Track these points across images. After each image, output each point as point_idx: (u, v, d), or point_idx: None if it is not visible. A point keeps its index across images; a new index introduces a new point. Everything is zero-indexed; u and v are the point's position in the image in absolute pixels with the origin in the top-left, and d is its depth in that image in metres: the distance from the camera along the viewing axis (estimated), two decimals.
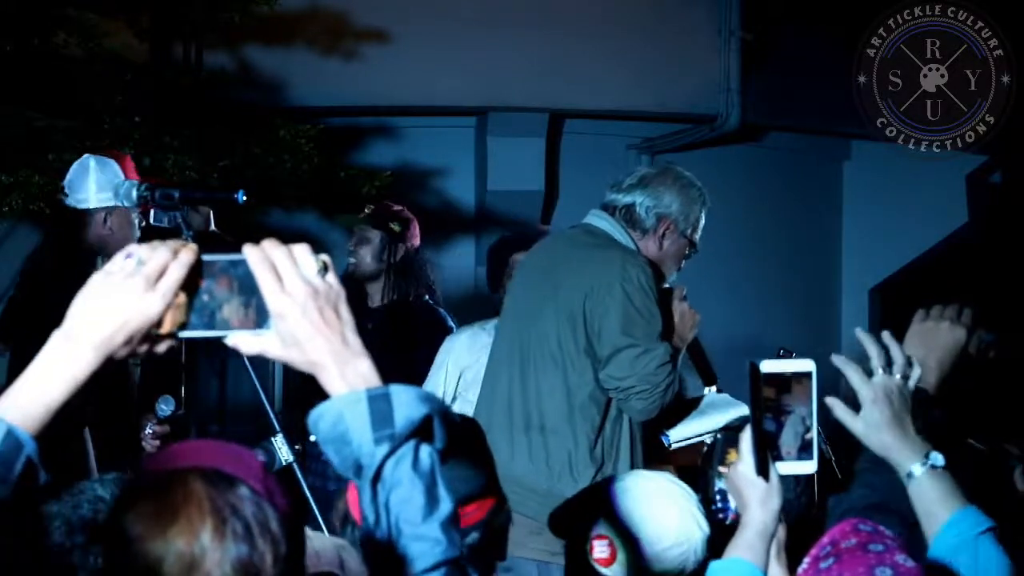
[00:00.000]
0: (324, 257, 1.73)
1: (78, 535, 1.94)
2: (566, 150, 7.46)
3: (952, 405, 2.33)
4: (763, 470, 2.09)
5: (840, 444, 2.18)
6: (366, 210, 5.00)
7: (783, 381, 2.09)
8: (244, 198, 3.52)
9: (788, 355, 4.06)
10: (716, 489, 2.32)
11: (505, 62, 6.89)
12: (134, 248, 1.64)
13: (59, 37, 4.97)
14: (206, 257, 1.67)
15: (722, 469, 2.30)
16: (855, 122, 5.78)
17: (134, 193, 3.46)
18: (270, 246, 1.72)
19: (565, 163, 7.45)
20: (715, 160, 7.37)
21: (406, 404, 1.64)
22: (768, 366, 2.09)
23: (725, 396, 4.12)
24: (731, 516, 2.28)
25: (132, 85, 5.17)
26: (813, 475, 2.79)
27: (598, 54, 7.03)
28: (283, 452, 3.37)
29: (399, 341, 4.72)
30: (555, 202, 7.40)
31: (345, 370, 1.67)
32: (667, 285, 3.91)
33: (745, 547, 2.12)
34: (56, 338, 1.62)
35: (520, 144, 7.12)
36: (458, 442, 2.09)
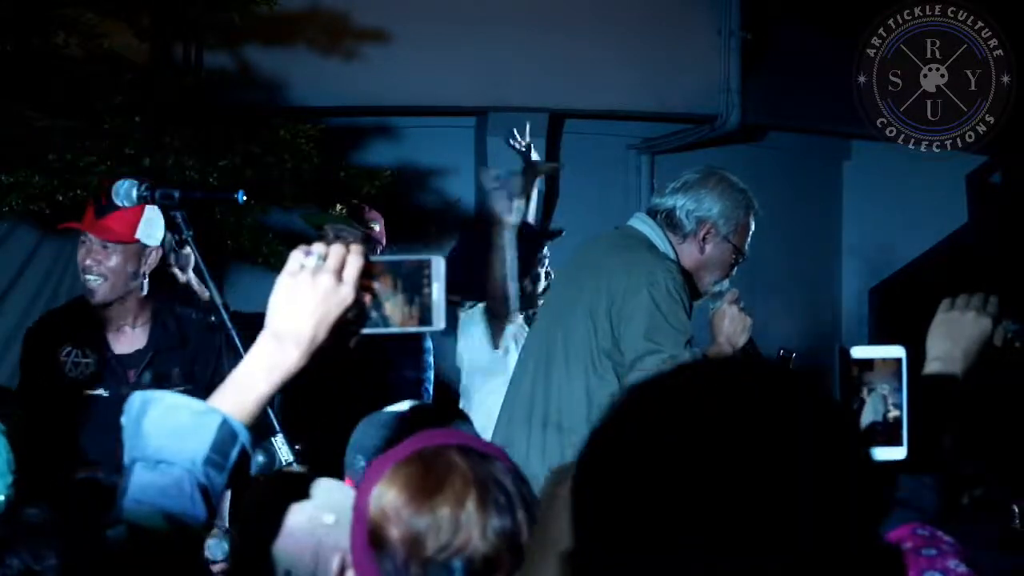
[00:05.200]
0: None
1: None
2: (566, 150, 7.46)
3: (971, 395, 2.32)
4: None
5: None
6: (333, 212, 4.92)
7: (867, 362, 2.10)
8: (244, 198, 3.51)
9: (789, 355, 4.05)
10: None
11: (505, 62, 6.89)
12: (308, 247, 1.73)
13: (59, 37, 4.96)
14: (372, 258, 1.75)
15: None
16: (855, 122, 5.78)
17: (134, 193, 3.44)
18: None
19: (565, 163, 7.45)
20: (715, 160, 7.35)
21: None
22: (859, 352, 2.09)
23: None
24: None
25: (132, 85, 5.16)
26: None
27: (598, 54, 7.03)
28: (283, 452, 3.36)
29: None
30: (555, 202, 7.39)
31: None
32: (719, 290, 3.87)
33: None
34: (265, 337, 1.72)
35: None
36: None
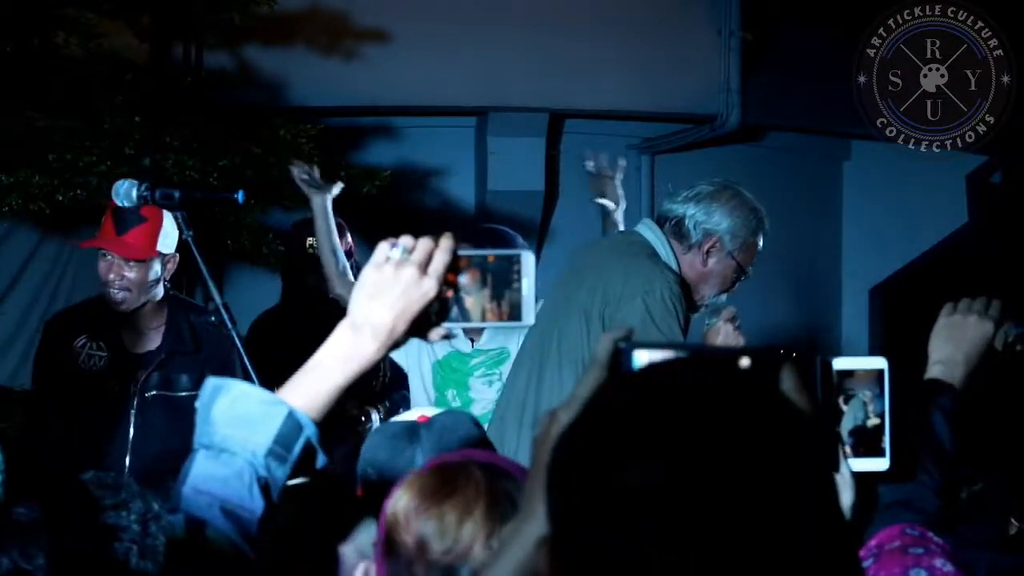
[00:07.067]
0: None
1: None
2: (566, 150, 7.46)
3: (973, 398, 2.31)
4: (833, 463, 2.09)
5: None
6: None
7: (848, 372, 2.09)
8: (244, 198, 3.51)
9: (788, 356, 4.04)
10: None
11: (505, 62, 6.89)
12: (395, 238, 1.71)
13: (59, 37, 4.97)
14: (460, 252, 1.73)
15: None
16: (855, 122, 5.78)
17: (134, 193, 3.44)
18: None
19: (565, 163, 7.45)
20: (715, 160, 7.37)
21: None
22: (840, 363, 2.09)
23: None
24: None
25: (132, 85, 5.16)
26: None
27: (598, 54, 7.03)
28: None
29: None
30: (555, 202, 7.40)
31: None
32: (717, 304, 3.86)
33: None
34: (343, 328, 1.68)
35: (520, 144, 7.12)
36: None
